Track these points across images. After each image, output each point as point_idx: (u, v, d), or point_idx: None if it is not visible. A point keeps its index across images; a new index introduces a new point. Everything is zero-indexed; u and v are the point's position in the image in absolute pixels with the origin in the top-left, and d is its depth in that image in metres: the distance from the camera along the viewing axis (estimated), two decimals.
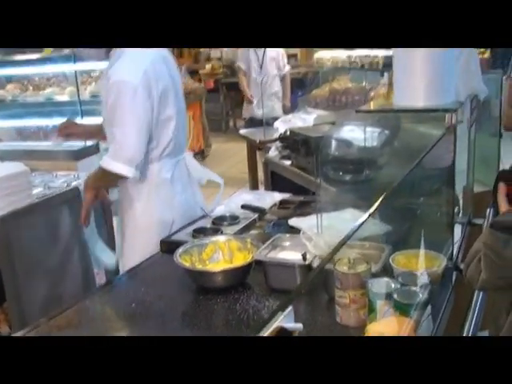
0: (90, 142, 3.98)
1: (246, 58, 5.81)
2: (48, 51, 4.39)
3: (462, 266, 1.66)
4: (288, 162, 3.45)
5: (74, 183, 2.95)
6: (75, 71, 3.96)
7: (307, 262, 1.67)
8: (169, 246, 2.11)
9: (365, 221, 1.18)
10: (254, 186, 5.02)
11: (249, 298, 1.71)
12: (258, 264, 1.79)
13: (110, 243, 2.78)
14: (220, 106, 9.23)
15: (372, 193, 2.04)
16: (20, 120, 4.92)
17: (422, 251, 1.69)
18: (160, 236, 2.22)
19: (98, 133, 2.53)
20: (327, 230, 1.73)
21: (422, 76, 1.82)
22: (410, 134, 2.13)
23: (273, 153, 3.76)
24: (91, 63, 4.03)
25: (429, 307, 1.51)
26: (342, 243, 1.13)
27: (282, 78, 5.92)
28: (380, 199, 1.28)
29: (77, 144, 3.95)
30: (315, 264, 1.66)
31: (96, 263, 2.92)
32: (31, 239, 2.67)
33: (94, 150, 4.03)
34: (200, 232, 2.16)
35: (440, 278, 1.75)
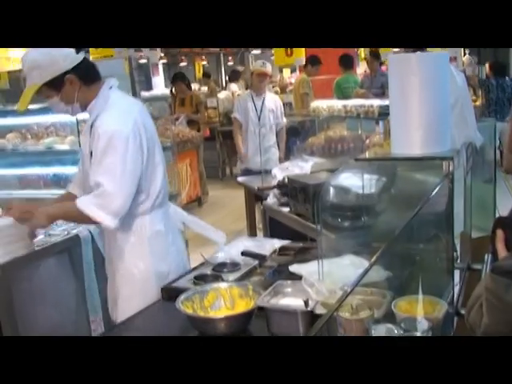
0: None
1: (244, 108, 5.66)
2: None
3: (462, 311, 1.67)
4: (286, 209, 3.48)
5: (74, 231, 2.96)
6: (76, 120, 4.02)
7: (309, 308, 1.68)
8: (170, 293, 2.12)
9: (370, 268, 1.20)
10: (252, 232, 5.03)
11: None
12: (259, 310, 1.80)
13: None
14: (216, 154, 9.32)
15: (370, 239, 2.07)
16: (21, 169, 4.95)
17: (422, 297, 1.70)
18: (158, 286, 2.22)
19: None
20: (328, 276, 1.75)
21: (418, 125, 1.86)
22: (407, 181, 2.17)
23: (271, 200, 3.80)
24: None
25: None
26: (350, 291, 1.15)
27: (279, 131, 5.76)
28: (383, 247, 1.30)
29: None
30: (317, 310, 1.67)
31: (93, 311, 2.93)
32: (31, 287, 2.67)
33: None
34: (201, 279, 2.17)
35: (441, 323, 1.76)
